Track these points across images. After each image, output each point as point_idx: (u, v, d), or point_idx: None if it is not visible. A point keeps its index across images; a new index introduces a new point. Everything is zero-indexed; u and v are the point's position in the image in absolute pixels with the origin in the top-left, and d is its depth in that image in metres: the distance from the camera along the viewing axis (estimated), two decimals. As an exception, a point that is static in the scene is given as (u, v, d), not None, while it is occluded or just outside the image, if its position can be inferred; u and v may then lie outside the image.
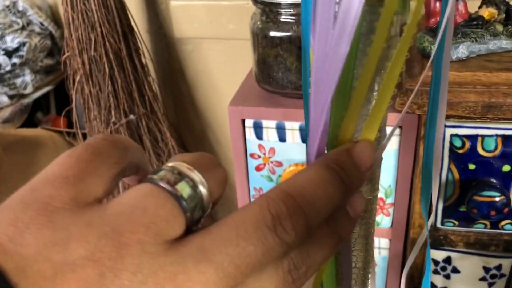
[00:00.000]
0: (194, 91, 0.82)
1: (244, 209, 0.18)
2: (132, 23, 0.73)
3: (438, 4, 0.51)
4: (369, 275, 0.34)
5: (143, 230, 0.15)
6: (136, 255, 0.15)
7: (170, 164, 0.18)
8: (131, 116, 0.68)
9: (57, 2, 1.01)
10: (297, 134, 0.57)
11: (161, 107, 0.73)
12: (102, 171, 0.17)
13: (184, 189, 0.17)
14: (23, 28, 1.03)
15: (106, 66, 0.66)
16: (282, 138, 0.58)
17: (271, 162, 0.60)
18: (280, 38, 0.54)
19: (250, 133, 0.59)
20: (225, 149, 0.87)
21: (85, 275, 0.14)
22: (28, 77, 1.10)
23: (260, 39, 0.55)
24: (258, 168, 0.62)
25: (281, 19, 0.53)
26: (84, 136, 0.83)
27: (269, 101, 0.58)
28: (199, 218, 0.18)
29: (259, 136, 0.59)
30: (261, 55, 0.57)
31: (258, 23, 0.55)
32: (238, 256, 0.16)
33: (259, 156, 0.61)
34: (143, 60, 0.73)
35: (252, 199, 0.65)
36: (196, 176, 0.18)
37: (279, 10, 0.53)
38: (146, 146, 0.72)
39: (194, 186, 0.17)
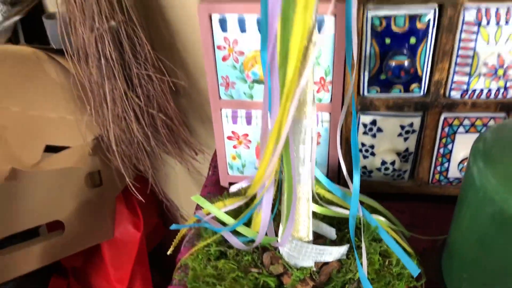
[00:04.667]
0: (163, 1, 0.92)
1: None
2: None
3: None
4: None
5: None
6: None
7: None
8: (112, 22, 0.79)
9: None
10: (254, 26, 0.71)
11: (138, 17, 0.85)
12: None
13: None
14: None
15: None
16: (243, 29, 0.72)
17: (235, 52, 0.74)
18: None
19: (216, 27, 0.72)
20: (194, 58, 0.99)
21: None
22: (-9, 6, 1.15)
23: None
24: (224, 58, 0.75)
25: None
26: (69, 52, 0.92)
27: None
28: None
29: (224, 28, 0.72)
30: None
31: None
32: None
33: (225, 47, 0.74)
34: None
35: (220, 87, 0.79)
36: None
37: None
38: (126, 50, 0.83)
39: None
